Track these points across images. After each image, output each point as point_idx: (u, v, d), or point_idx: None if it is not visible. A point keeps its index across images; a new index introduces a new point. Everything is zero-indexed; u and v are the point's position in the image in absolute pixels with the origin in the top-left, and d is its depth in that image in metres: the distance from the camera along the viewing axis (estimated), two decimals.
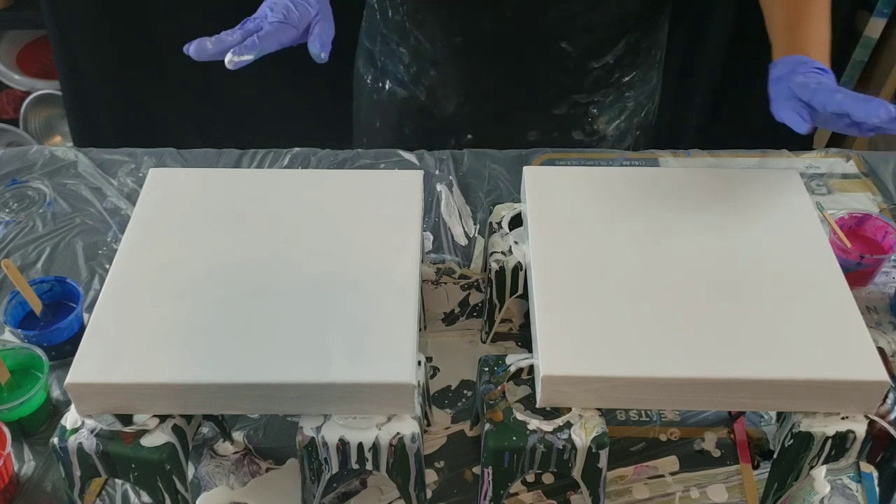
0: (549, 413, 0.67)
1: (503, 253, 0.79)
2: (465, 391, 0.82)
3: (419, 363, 0.69)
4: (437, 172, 1.06)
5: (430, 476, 0.75)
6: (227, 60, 0.73)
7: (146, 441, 0.65)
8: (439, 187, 1.04)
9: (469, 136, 1.13)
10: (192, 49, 0.74)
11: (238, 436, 0.78)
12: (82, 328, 0.83)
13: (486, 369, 0.70)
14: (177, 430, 0.66)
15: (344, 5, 0.82)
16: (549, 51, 1.02)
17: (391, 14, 1.07)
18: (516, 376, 0.71)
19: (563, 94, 1.07)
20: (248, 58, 0.74)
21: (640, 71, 1.08)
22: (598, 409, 0.67)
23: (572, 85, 1.06)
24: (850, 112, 0.72)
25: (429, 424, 0.79)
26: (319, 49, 0.77)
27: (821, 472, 0.75)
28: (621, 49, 1.03)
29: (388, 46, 1.10)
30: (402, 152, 1.09)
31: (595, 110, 1.09)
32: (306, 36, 0.78)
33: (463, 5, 1.01)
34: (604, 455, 0.66)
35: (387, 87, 1.13)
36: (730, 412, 0.80)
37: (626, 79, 1.07)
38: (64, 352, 0.82)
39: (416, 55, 1.08)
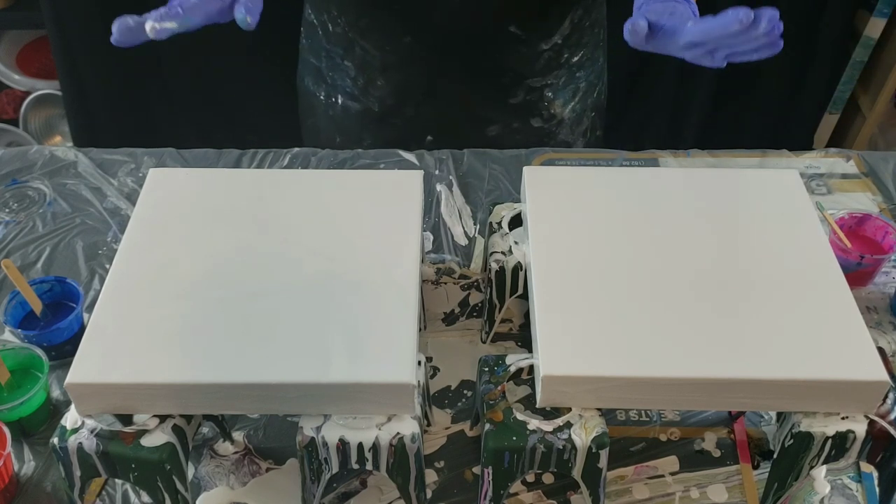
0: (549, 413, 0.67)
1: (503, 253, 0.79)
2: (465, 391, 0.82)
3: (419, 363, 0.69)
4: (437, 172, 1.06)
5: (430, 476, 0.75)
6: (148, 28, 0.69)
7: (146, 441, 0.65)
8: (439, 187, 1.04)
9: (429, 137, 1.13)
10: (115, 28, 0.70)
11: (238, 436, 0.78)
12: (82, 328, 0.83)
13: (486, 369, 0.70)
14: (177, 430, 0.66)
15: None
16: (499, 36, 1.03)
17: (331, 28, 1.07)
18: (516, 376, 0.71)
19: (517, 80, 1.07)
20: (172, 25, 0.70)
21: (587, 50, 1.10)
22: (598, 409, 0.67)
23: (525, 70, 1.07)
24: (705, 36, 0.66)
25: (429, 424, 0.79)
26: (245, 13, 0.71)
27: (821, 472, 0.75)
28: (567, 28, 1.05)
29: (333, 61, 1.10)
30: (402, 152, 1.09)
31: (550, 94, 1.10)
32: (231, 11, 0.75)
33: (408, 3, 1.00)
34: (604, 455, 0.66)
35: (339, 101, 1.13)
36: (730, 412, 0.80)
37: (576, 59, 1.09)
38: (64, 352, 0.82)
39: (363, 66, 1.07)
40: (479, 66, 1.06)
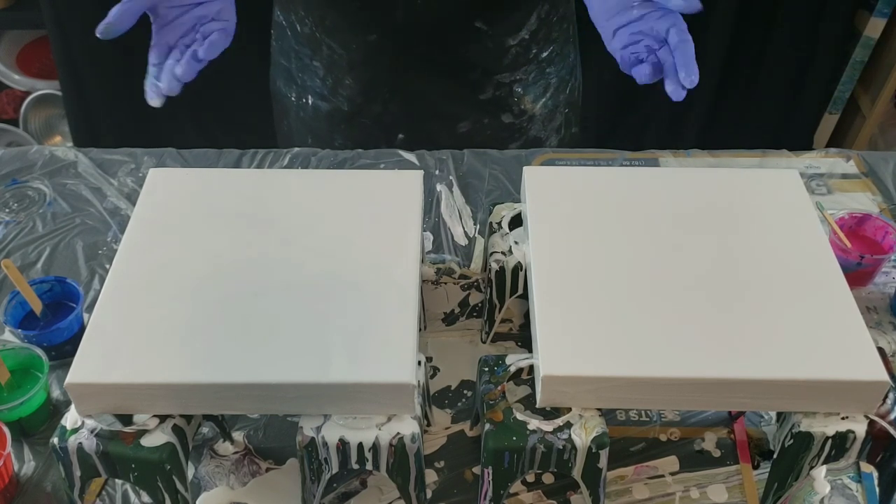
0: (549, 413, 0.67)
1: (503, 253, 0.79)
2: (465, 391, 0.82)
3: (419, 363, 0.69)
4: (437, 172, 1.06)
5: (430, 476, 0.75)
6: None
7: (146, 441, 0.65)
8: (439, 187, 1.04)
9: (400, 135, 1.13)
10: (164, 86, 0.75)
11: (238, 436, 0.78)
12: (82, 328, 0.83)
13: (486, 369, 0.70)
14: (177, 430, 0.66)
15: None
16: (465, 32, 1.02)
17: (300, 28, 1.06)
18: (516, 376, 0.71)
19: (485, 76, 1.07)
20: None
21: (556, 45, 1.09)
22: (598, 409, 0.67)
23: (493, 65, 1.06)
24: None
25: (429, 424, 0.79)
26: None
27: (821, 472, 0.75)
28: (534, 24, 1.05)
29: (302, 62, 1.10)
30: (402, 152, 1.09)
31: (519, 89, 1.09)
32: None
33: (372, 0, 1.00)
34: (604, 455, 0.66)
35: (310, 102, 1.12)
36: (730, 412, 0.80)
37: (545, 54, 1.08)
38: (64, 352, 0.82)
39: (331, 65, 1.07)
40: (446, 62, 1.05)
